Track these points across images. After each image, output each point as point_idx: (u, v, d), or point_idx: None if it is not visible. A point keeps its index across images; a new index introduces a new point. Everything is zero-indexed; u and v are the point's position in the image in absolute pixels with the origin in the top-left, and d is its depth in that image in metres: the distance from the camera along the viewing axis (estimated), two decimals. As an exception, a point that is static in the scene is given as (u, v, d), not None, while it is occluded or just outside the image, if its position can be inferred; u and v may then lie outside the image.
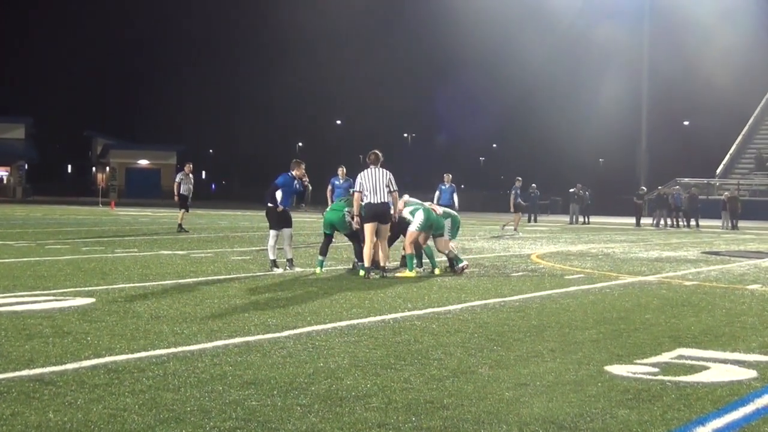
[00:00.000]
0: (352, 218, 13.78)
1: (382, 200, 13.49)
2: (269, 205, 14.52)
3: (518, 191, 31.38)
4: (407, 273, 13.69)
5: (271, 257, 14.22)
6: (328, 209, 14.69)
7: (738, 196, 43.63)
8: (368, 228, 13.48)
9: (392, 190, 13.63)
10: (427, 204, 14.74)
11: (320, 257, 14.10)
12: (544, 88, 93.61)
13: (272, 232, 14.46)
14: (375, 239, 13.52)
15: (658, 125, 78.11)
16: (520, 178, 32.42)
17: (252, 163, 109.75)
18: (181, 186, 25.66)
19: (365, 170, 13.68)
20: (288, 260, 14.35)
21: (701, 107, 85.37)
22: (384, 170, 13.65)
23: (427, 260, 14.69)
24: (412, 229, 14.06)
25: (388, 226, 13.80)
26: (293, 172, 14.65)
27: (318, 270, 13.85)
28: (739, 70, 74.46)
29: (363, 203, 13.55)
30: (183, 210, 25.61)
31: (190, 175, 26.08)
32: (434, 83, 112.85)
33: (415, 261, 14.09)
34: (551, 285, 12.82)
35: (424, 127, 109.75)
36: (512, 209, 31.10)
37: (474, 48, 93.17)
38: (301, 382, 6.04)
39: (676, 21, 69.79)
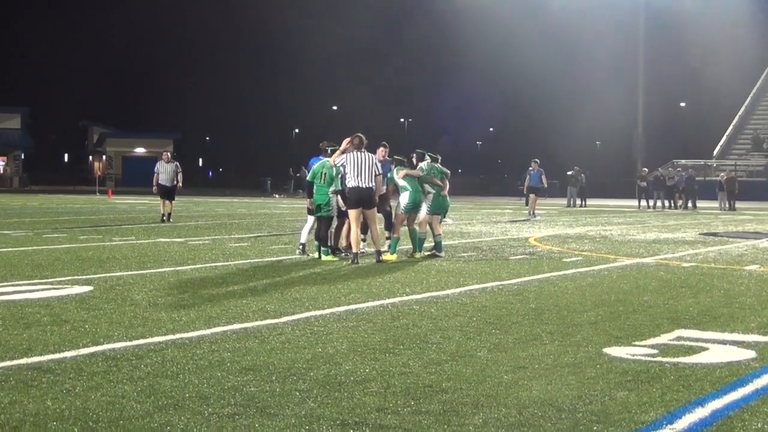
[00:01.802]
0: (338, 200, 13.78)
1: (367, 185, 13.40)
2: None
3: (531, 173, 31.01)
4: (389, 257, 13.63)
5: (304, 240, 14.43)
6: (315, 192, 14.49)
7: (735, 177, 43.61)
8: (353, 213, 13.42)
9: (377, 174, 13.56)
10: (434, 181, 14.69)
11: (317, 242, 14.07)
12: (541, 72, 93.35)
13: (311, 218, 14.45)
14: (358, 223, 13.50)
15: (655, 107, 77.97)
16: (537, 160, 31.41)
17: (248, 150, 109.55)
18: (159, 176, 24.09)
19: (350, 154, 13.49)
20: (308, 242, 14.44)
21: (698, 89, 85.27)
22: (369, 154, 13.59)
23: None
24: (398, 212, 14.09)
25: (375, 210, 13.76)
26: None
27: (316, 255, 13.84)
28: (736, 51, 74.30)
29: (348, 187, 13.46)
30: (164, 200, 24.04)
31: (170, 164, 24.28)
32: (431, 68, 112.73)
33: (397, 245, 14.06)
34: (549, 268, 12.81)
35: (422, 112, 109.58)
36: (525, 191, 31.03)
37: (472, 33, 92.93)
38: (299, 368, 6.04)
39: (672, 2, 69.55)
